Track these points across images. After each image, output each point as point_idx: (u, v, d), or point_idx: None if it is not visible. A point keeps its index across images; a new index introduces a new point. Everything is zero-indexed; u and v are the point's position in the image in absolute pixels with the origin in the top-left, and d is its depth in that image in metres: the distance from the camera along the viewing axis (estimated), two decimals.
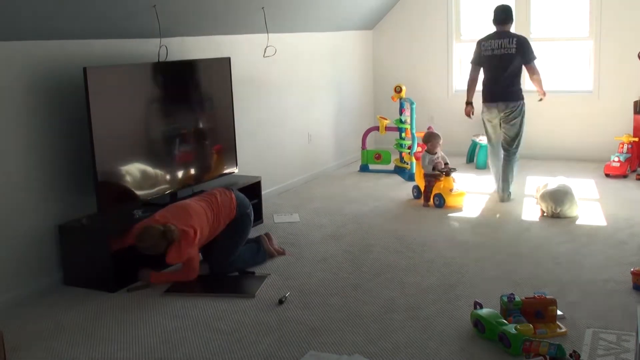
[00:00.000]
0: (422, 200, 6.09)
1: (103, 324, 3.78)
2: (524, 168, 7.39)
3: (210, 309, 3.94)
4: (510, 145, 6.00)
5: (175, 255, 4.17)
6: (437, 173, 5.97)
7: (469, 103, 6.22)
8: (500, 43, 5.81)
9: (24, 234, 4.15)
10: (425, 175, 6.06)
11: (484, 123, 6.13)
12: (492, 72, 5.90)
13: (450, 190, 5.92)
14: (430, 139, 6.13)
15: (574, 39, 7.70)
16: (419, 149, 7.23)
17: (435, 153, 6.09)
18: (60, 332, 3.70)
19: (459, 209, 5.84)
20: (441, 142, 6.15)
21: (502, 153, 6.06)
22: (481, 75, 6.09)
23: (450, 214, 5.74)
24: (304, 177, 7.10)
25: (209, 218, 4.35)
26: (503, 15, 5.89)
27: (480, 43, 5.96)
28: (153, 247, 4.09)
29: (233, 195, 4.53)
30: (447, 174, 5.95)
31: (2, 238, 4.02)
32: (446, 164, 6.07)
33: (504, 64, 5.82)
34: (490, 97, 5.93)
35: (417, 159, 6.43)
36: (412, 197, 6.29)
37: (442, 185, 5.95)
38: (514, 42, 5.80)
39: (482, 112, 6.07)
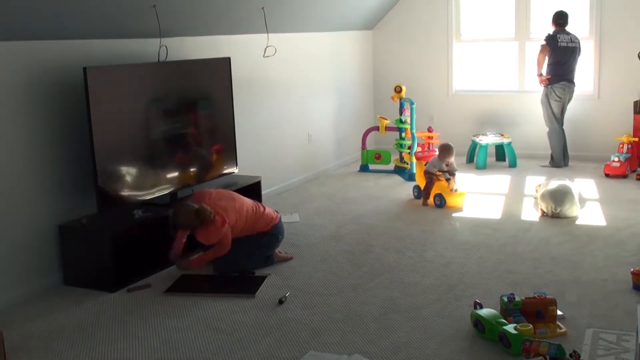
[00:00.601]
0: (422, 200, 6.09)
1: (103, 324, 3.78)
2: (524, 168, 7.40)
3: (210, 309, 3.94)
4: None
5: (204, 236, 4.39)
6: (438, 172, 5.97)
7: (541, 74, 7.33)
8: (570, 38, 7.13)
9: (24, 234, 4.15)
10: (426, 173, 6.06)
11: (554, 102, 7.19)
12: (567, 59, 7.18)
13: (451, 190, 5.93)
14: (444, 153, 5.97)
15: None
16: (419, 149, 7.24)
17: (447, 165, 6.00)
18: (60, 332, 3.70)
19: (460, 209, 5.84)
20: (452, 157, 6.00)
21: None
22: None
23: (451, 214, 5.74)
24: (304, 177, 7.10)
25: (249, 214, 4.54)
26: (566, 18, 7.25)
27: (555, 36, 7.12)
28: (186, 225, 4.34)
29: (278, 216, 4.76)
30: (447, 179, 5.94)
31: (2, 238, 4.02)
32: (453, 174, 6.02)
33: (573, 54, 7.17)
34: (567, 78, 7.17)
35: (418, 159, 6.41)
36: (413, 197, 6.29)
37: (443, 185, 5.95)
38: (576, 38, 7.20)
39: (553, 92, 7.15)
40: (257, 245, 4.57)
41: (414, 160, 7.01)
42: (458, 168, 6.20)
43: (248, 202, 4.63)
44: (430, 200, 6.02)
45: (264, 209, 4.68)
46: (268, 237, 4.60)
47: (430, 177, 6.01)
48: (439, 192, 5.95)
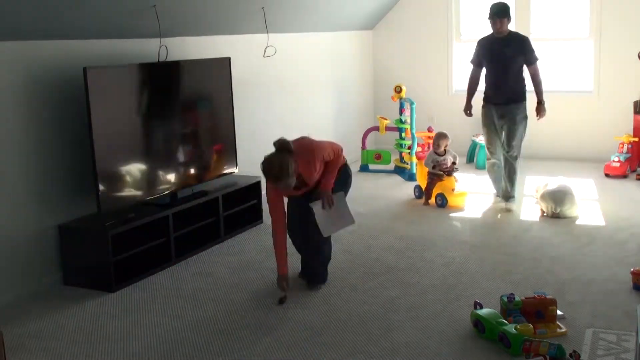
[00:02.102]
0: (423, 200, 6.08)
1: (103, 324, 3.78)
2: (524, 168, 7.39)
3: (210, 309, 3.94)
4: (510, 148, 5.65)
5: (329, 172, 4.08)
6: (439, 172, 5.95)
7: (469, 105, 5.95)
8: (501, 42, 5.55)
9: (24, 234, 4.15)
10: (428, 173, 6.03)
11: (484, 125, 5.81)
12: (494, 73, 5.66)
13: (452, 190, 5.91)
14: (437, 139, 6.07)
15: (574, 39, 7.71)
16: (419, 149, 7.24)
17: (442, 154, 6.01)
18: (60, 332, 3.70)
19: (461, 209, 5.84)
20: (448, 142, 6.07)
21: (501, 157, 5.76)
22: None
23: (451, 214, 5.73)
24: None
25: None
26: (501, 11, 5.52)
27: (480, 42, 5.77)
28: (282, 173, 3.84)
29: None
30: (449, 174, 5.94)
31: (2, 238, 4.02)
32: (453, 163, 6.01)
33: (506, 64, 5.57)
34: (493, 98, 5.68)
35: (419, 158, 6.39)
36: (414, 196, 6.28)
37: (444, 185, 5.93)
38: (515, 41, 5.56)
39: (483, 114, 5.80)
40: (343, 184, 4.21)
41: (414, 160, 7.02)
42: (458, 167, 6.18)
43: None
44: (432, 200, 6.01)
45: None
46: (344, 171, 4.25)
47: (432, 178, 6.00)
48: (440, 192, 5.94)
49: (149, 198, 4.65)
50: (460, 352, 3.33)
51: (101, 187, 4.25)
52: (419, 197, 6.23)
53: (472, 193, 6.25)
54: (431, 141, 7.52)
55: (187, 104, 5.06)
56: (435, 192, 5.98)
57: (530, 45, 5.60)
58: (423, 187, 6.15)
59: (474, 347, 3.37)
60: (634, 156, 6.92)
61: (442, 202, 5.92)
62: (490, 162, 5.86)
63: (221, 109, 5.36)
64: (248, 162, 5.99)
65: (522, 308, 3.49)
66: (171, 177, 4.87)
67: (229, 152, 5.45)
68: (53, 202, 4.31)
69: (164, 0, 4.65)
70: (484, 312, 3.48)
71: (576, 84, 7.75)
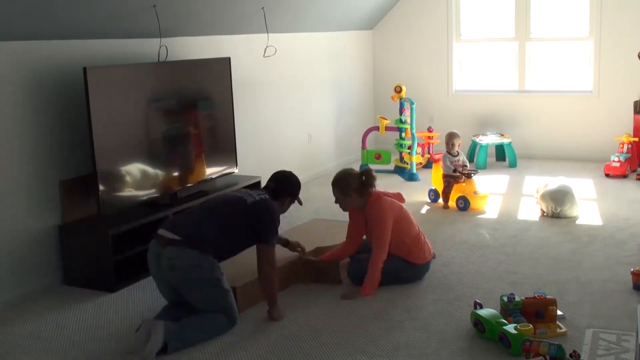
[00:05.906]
0: (442, 204, 5.92)
1: (103, 324, 3.78)
2: (524, 168, 7.39)
3: None
4: None
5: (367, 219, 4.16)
6: (457, 174, 5.81)
7: None
8: None
9: (24, 234, 4.15)
10: (445, 177, 5.88)
11: None
12: None
13: (474, 192, 5.76)
14: (450, 139, 5.95)
15: (574, 39, 7.71)
16: (419, 149, 7.24)
17: (456, 155, 5.94)
18: (60, 332, 3.70)
19: (482, 212, 5.74)
20: (460, 142, 6.00)
21: None
22: None
23: (474, 217, 5.73)
24: (304, 177, 7.08)
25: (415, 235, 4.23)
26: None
27: None
28: (344, 185, 4.23)
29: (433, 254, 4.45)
30: (469, 176, 5.82)
31: (2, 238, 4.02)
32: (464, 166, 5.91)
33: None
34: None
35: (434, 161, 6.26)
36: (429, 200, 6.09)
37: (465, 188, 5.78)
38: None
39: None
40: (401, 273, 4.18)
41: (414, 160, 7.02)
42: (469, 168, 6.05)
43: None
44: (452, 203, 5.86)
45: (424, 238, 4.30)
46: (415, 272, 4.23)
47: (449, 180, 5.84)
48: (462, 195, 5.79)
49: (148, 198, 4.65)
50: (460, 352, 3.33)
51: (101, 187, 4.25)
52: (434, 201, 6.06)
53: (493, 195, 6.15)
54: (432, 141, 7.55)
55: (187, 104, 5.06)
56: (455, 195, 5.82)
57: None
58: (439, 190, 5.99)
59: (474, 347, 3.37)
60: (634, 156, 6.92)
61: (464, 205, 5.76)
62: None
63: (221, 109, 5.36)
64: (248, 162, 6.01)
65: (522, 308, 3.49)
66: (171, 177, 4.87)
67: (229, 152, 5.45)
68: (53, 202, 4.31)
69: (164, 0, 4.65)
70: (484, 312, 3.47)
71: (576, 84, 7.75)
